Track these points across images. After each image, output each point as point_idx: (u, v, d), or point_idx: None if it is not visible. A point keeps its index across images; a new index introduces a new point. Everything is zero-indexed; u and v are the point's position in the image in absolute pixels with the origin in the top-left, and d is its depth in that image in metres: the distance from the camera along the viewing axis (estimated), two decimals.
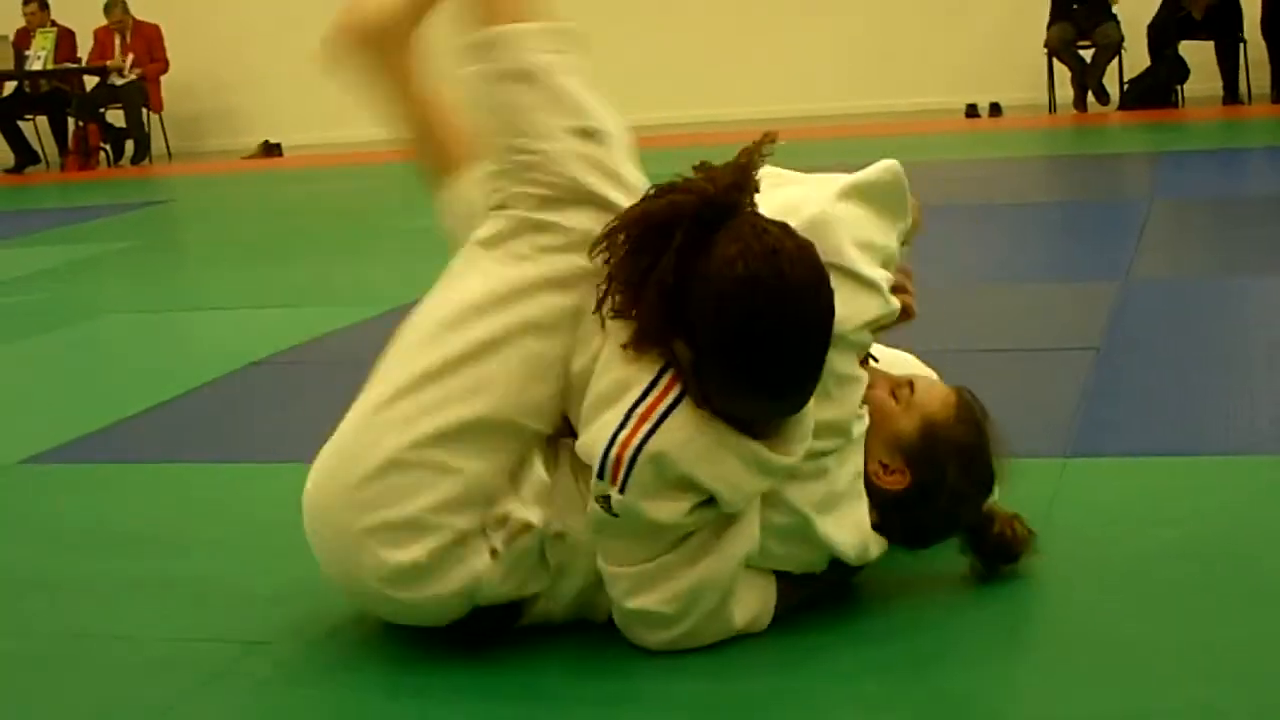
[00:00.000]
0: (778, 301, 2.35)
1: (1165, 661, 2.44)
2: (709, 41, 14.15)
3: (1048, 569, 2.79)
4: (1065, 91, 12.62)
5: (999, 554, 2.73)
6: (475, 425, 2.50)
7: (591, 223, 2.51)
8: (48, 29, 14.83)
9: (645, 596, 2.51)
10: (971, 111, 12.96)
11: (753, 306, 2.34)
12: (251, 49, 15.25)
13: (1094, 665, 2.43)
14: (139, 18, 14.74)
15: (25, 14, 14.89)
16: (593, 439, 2.46)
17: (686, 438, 2.41)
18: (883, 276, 2.61)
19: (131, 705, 2.64)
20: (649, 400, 2.43)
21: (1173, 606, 2.66)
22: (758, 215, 2.43)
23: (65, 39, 14.90)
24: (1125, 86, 12.43)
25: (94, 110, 14.79)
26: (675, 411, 2.42)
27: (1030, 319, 5.06)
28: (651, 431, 2.41)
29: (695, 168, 2.46)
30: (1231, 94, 12.25)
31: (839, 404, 2.53)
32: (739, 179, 2.43)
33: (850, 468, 2.59)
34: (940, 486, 2.63)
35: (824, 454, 2.54)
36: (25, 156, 15.06)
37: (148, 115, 14.77)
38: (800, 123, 13.07)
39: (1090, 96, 12.49)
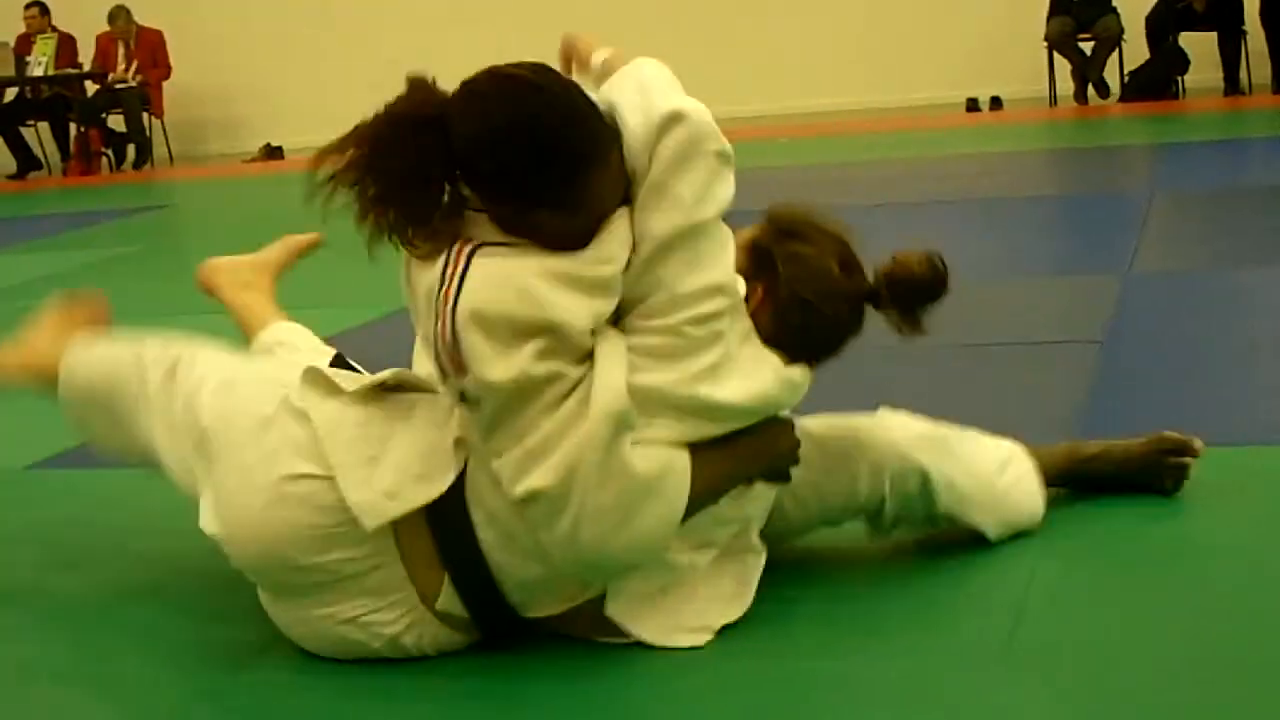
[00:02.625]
0: (525, 95, 2.41)
1: (1165, 652, 2.44)
2: (708, 38, 14.15)
3: (1054, 564, 2.81)
4: (1066, 84, 12.62)
5: (908, 297, 2.71)
6: None
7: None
8: (48, 35, 14.84)
9: (528, 477, 2.41)
10: (972, 105, 12.97)
11: (503, 106, 2.40)
12: (253, 53, 15.27)
13: (1100, 661, 2.44)
14: (142, 23, 14.75)
15: (25, 18, 14.90)
16: (426, 345, 2.51)
17: (491, 283, 2.38)
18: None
19: (142, 709, 2.64)
20: (445, 277, 2.42)
21: (1176, 600, 2.67)
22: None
23: (66, 45, 14.92)
24: (1126, 79, 12.43)
25: (96, 115, 14.80)
26: (471, 267, 2.40)
27: (1032, 312, 5.06)
28: (457, 299, 2.39)
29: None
30: (1232, 85, 12.25)
31: (710, 266, 2.48)
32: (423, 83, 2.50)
33: (741, 326, 2.54)
34: (787, 286, 2.63)
35: (713, 317, 2.47)
36: (27, 162, 15.08)
37: (149, 120, 14.78)
38: (801, 118, 13.08)
39: (1091, 89, 12.49)
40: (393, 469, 2.52)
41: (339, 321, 5.70)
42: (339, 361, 2.96)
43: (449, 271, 2.41)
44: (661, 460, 2.44)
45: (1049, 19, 12.51)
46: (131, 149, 14.95)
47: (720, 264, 2.50)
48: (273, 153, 14.74)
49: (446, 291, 2.40)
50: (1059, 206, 7.88)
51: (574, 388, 2.41)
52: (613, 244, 2.44)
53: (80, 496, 4.02)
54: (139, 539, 3.59)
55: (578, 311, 2.40)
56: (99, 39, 14.85)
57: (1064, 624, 2.59)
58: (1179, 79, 12.39)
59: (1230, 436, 3.56)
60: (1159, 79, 12.29)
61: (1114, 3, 12.36)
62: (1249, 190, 7.51)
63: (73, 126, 14.96)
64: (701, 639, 2.58)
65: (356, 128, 2.51)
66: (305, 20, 15.19)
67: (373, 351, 2.72)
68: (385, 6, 14.91)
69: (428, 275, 2.44)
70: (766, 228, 2.71)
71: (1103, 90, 12.47)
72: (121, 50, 14.77)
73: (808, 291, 2.62)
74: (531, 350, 2.38)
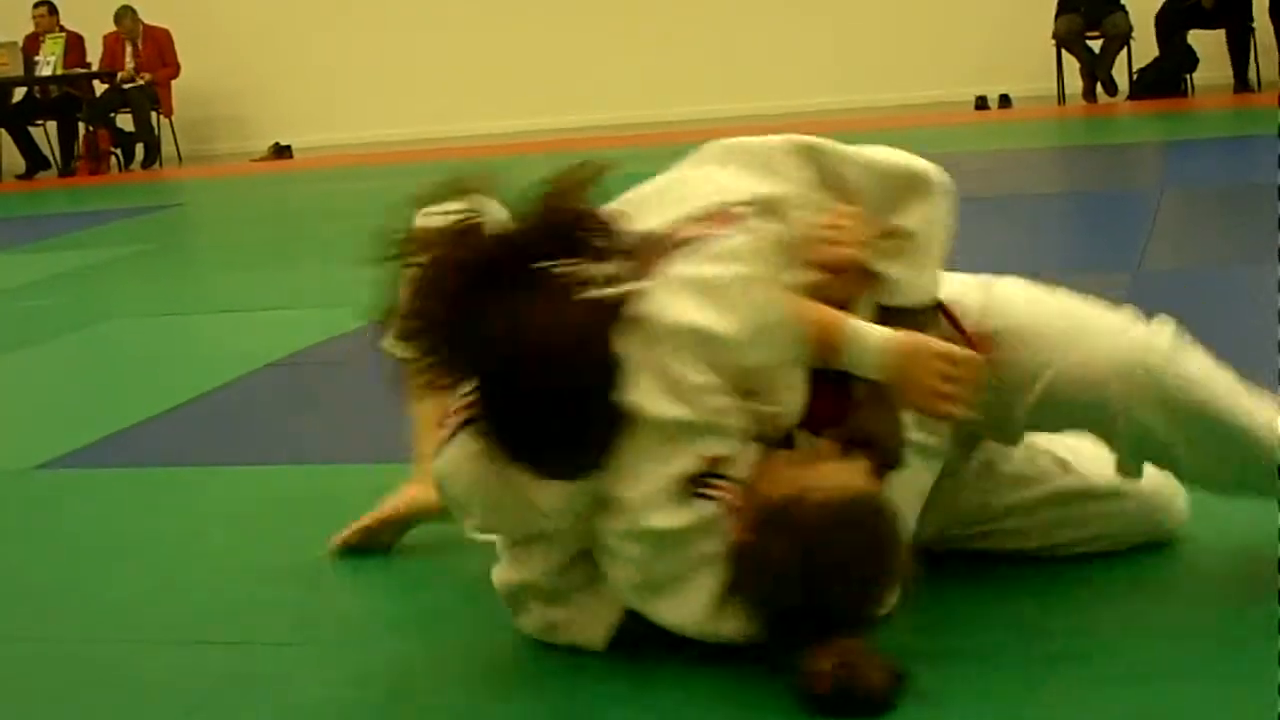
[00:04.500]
0: (538, 383, 2.26)
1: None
2: (715, 36, 14.15)
3: (1067, 561, 2.80)
4: (1074, 82, 12.60)
5: (830, 698, 2.28)
6: None
7: None
8: (56, 35, 14.85)
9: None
10: (980, 103, 12.95)
11: (515, 382, 2.27)
12: (261, 52, 15.27)
13: (1127, 656, 2.43)
14: (149, 22, 14.75)
15: (34, 16, 14.91)
16: None
17: (458, 465, 2.44)
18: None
19: (150, 709, 2.64)
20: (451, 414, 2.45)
21: (1188, 596, 2.66)
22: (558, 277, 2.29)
23: (74, 45, 14.92)
24: (1134, 76, 12.41)
25: (104, 115, 14.81)
26: (459, 436, 2.42)
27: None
28: (441, 448, 2.47)
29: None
30: (1242, 82, 12.22)
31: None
32: (549, 221, 2.32)
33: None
34: (765, 562, 2.31)
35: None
36: (36, 162, 15.08)
37: (158, 119, 14.79)
38: (808, 117, 13.06)
39: (1099, 87, 12.47)
40: None
41: (352, 322, 5.71)
42: None
43: (451, 415, 2.45)
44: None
45: (1057, 17, 12.49)
46: (140, 148, 14.95)
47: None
48: (281, 152, 14.74)
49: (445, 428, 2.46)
50: (1068, 204, 7.86)
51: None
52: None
53: (88, 496, 4.02)
54: (150, 537, 3.60)
55: (513, 524, 2.51)
56: (106, 39, 14.85)
57: (1082, 619, 2.58)
58: (1188, 76, 12.37)
59: None
60: (1168, 77, 12.27)
61: (1122, 0, 12.34)
62: (1259, 187, 7.48)
63: (81, 126, 14.96)
64: None
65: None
66: (314, 19, 15.19)
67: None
68: (394, 6, 14.90)
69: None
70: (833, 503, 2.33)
71: (1111, 88, 12.44)
72: (129, 50, 14.77)
73: (775, 601, 2.34)
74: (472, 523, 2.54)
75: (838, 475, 2.34)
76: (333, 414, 4.51)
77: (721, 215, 2.41)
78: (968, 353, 2.48)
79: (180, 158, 15.15)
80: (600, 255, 2.32)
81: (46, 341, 6.22)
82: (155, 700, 2.67)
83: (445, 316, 2.28)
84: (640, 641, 2.52)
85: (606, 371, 2.29)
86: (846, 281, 2.49)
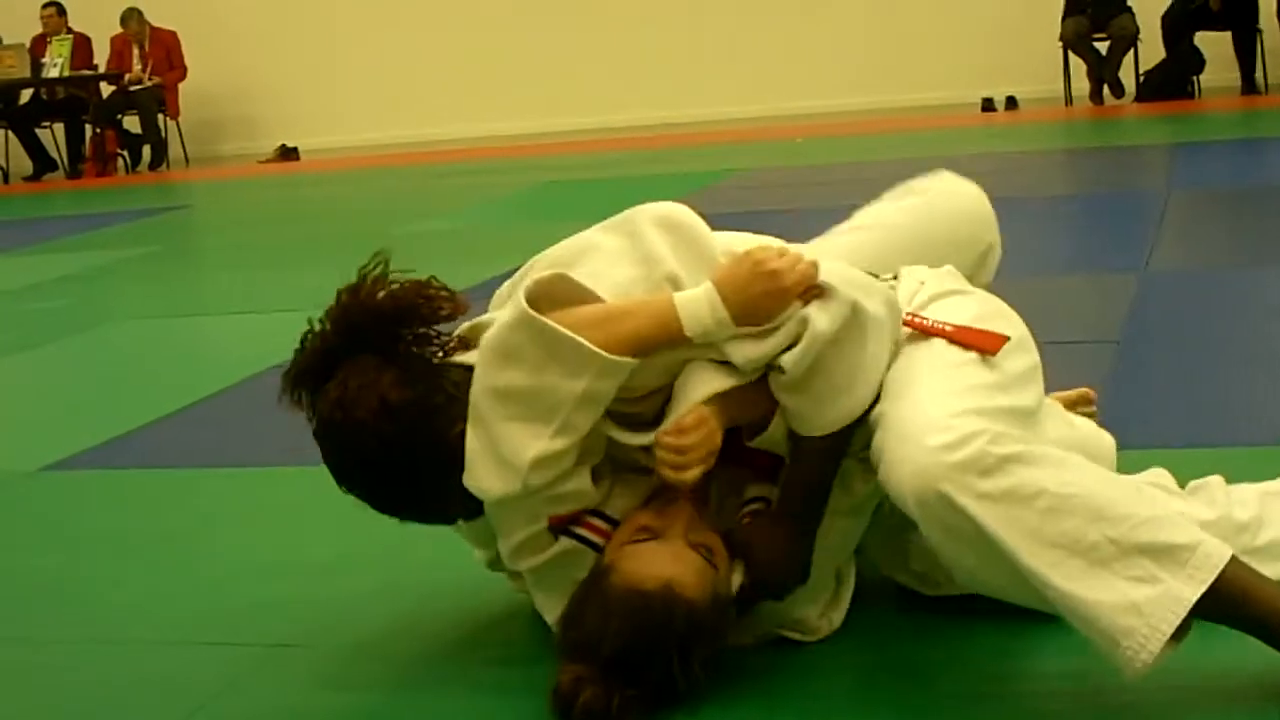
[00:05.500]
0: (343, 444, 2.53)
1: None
2: (721, 39, 14.15)
3: None
4: (1081, 84, 12.59)
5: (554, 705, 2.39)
6: None
7: None
8: (63, 36, 14.85)
9: None
10: (987, 105, 12.94)
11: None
12: (268, 54, 15.29)
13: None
14: (156, 25, 14.76)
15: (42, 17, 14.92)
16: None
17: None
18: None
19: (155, 709, 2.64)
20: None
21: None
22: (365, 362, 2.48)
23: (81, 46, 14.93)
24: (1141, 78, 12.40)
25: (111, 117, 14.82)
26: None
27: (1049, 312, 5.02)
28: None
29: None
30: (1248, 84, 12.21)
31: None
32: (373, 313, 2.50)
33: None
34: (570, 608, 2.46)
35: None
36: (43, 164, 15.10)
37: (164, 121, 14.80)
38: (815, 119, 13.07)
39: (1106, 89, 12.46)
40: None
41: None
42: None
43: None
44: None
45: (1064, 19, 12.48)
46: (147, 150, 14.96)
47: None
48: (288, 153, 14.75)
49: None
50: (1075, 206, 7.86)
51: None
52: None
53: (94, 497, 4.02)
54: (157, 538, 3.60)
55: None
56: (114, 40, 14.86)
57: None
58: (1195, 78, 12.36)
59: (1250, 436, 3.55)
60: (1175, 79, 12.26)
61: (1129, 2, 12.33)
62: (1265, 189, 7.49)
63: (88, 128, 14.97)
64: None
65: None
66: (321, 22, 15.20)
67: None
68: (399, 8, 14.91)
69: None
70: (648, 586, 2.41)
71: (1118, 90, 12.44)
72: (136, 52, 14.78)
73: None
74: None
75: (656, 562, 2.40)
76: None
77: None
78: (771, 244, 2.48)
79: (187, 159, 15.16)
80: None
81: (53, 343, 6.22)
82: (158, 701, 2.67)
83: (304, 369, 2.57)
84: None
85: (428, 450, 2.44)
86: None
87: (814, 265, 2.42)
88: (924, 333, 2.54)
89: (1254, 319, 4.77)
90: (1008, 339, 2.51)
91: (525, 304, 2.35)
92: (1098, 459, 2.60)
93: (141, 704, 2.68)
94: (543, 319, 2.35)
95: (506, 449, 2.38)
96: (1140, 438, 3.58)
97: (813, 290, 2.40)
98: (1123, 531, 2.20)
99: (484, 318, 2.57)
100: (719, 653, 2.44)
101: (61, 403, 5.26)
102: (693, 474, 2.40)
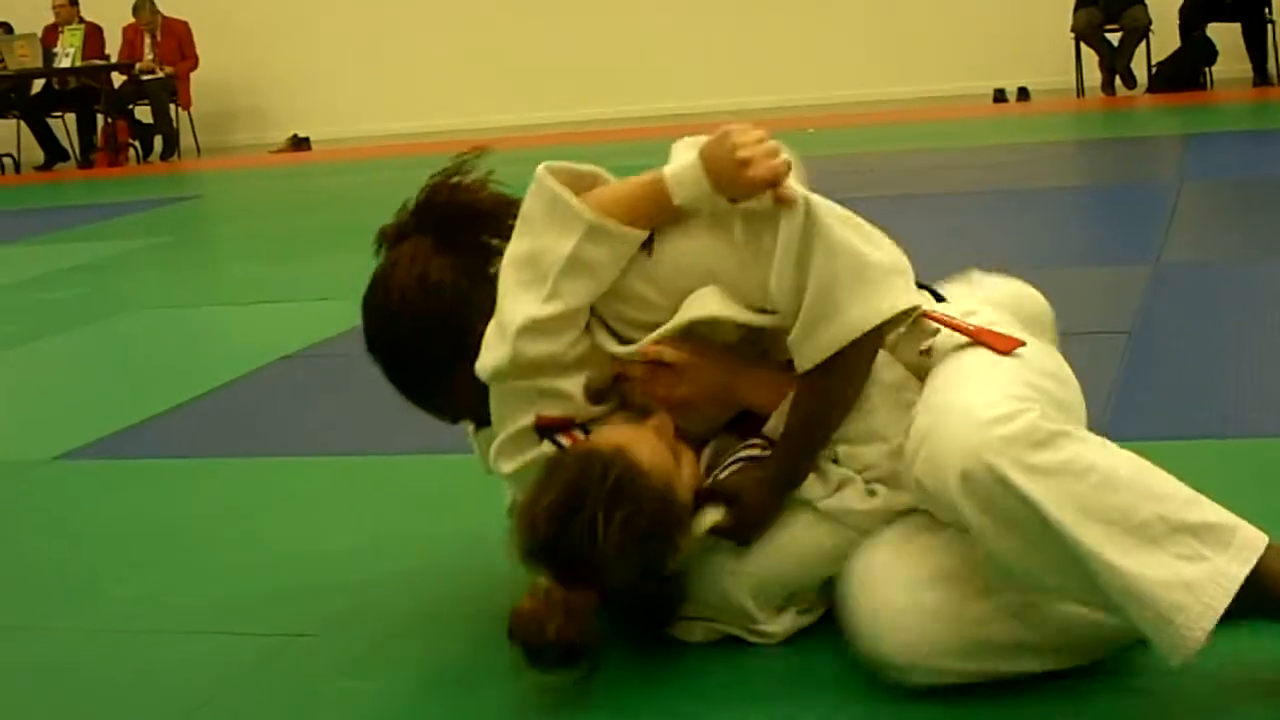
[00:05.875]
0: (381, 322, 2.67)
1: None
2: (733, 28, 14.15)
3: None
4: (1093, 75, 12.57)
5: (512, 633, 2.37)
6: None
7: None
8: (75, 26, 14.87)
9: None
10: (999, 96, 12.93)
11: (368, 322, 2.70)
12: (279, 44, 15.30)
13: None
14: (168, 15, 14.78)
15: (54, 7, 14.94)
16: None
17: None
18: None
19: (169, 699, 2.65)
20: None
21: None
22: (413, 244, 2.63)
23: (93, 36, 14.95)
24: (1153, 69, 12.38)
25: (122, 107, 14.84)
26: None
27: (1061, 304, 4.98)
28: None
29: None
30: (1260, 75, 12.19)
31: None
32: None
33: None
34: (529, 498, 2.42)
35: None
36: (55, 153, 15.12)
37: (176, 111, 14.81)
38: (827, 109, 13.06)
39: (1118, 80, 12.44)
40: None
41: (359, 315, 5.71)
42: None
43: None
44: None
45: (1076, 10, 12.46)
46: (158, 140, 14.98)
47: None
48: (299, 143, 14.76)
49: None
50: (1087, 197, 7.85)
51: None
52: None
53: (108, 487, 4.03)
54: (169, 528, 3.61)
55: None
56: (125, 30, 14.88)
57: None
58: (1207, 70, 12.34)
59: (1262, 428, 3.55)
60: (1187, 70, 12.24)
61: None
62: (1278, 180, 7.48)
63: (100, 118, 14.99)
64: None
65: None
66: (332, 12, 15.21)
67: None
68: None
69: None
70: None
71: (1130, 81, 12.42)
72: (148, 41, 14.80)
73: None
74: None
75: (615, 432, 2.45)
76: (352, 405, 4.51)
77: None
78: (751, 131, 2.46)
79: (198, 149, 15.18)
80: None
81: (65, 333, 6.24)
82: (173, 690, 2.68)
83: (381, 234, 2.71)
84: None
85: (450, 335, 2.56)
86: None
87: (786, 165, 2.42)
88: (944, 326, 2.52)
89: (1266, 310, 4.76)
90: (1024, 344, 2.47)
91: (542, 169, 2.46)
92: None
93: (154, 693, 2.68)
94: (551, 180, 2.45)
95: (505, 317, 2.46)
96: (1152, 429, 3.58)
97: (782, 193, 2.40)
98: (1170, 509, 2.18)
99: None
100: (661, 555, 2.40)
101: (74, 393, 5.27)
102: (664, 391, 2.44)
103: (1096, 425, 3.47)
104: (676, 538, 2.41)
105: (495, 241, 2.59)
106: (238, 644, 2.84)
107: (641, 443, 2.42)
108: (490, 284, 2.52)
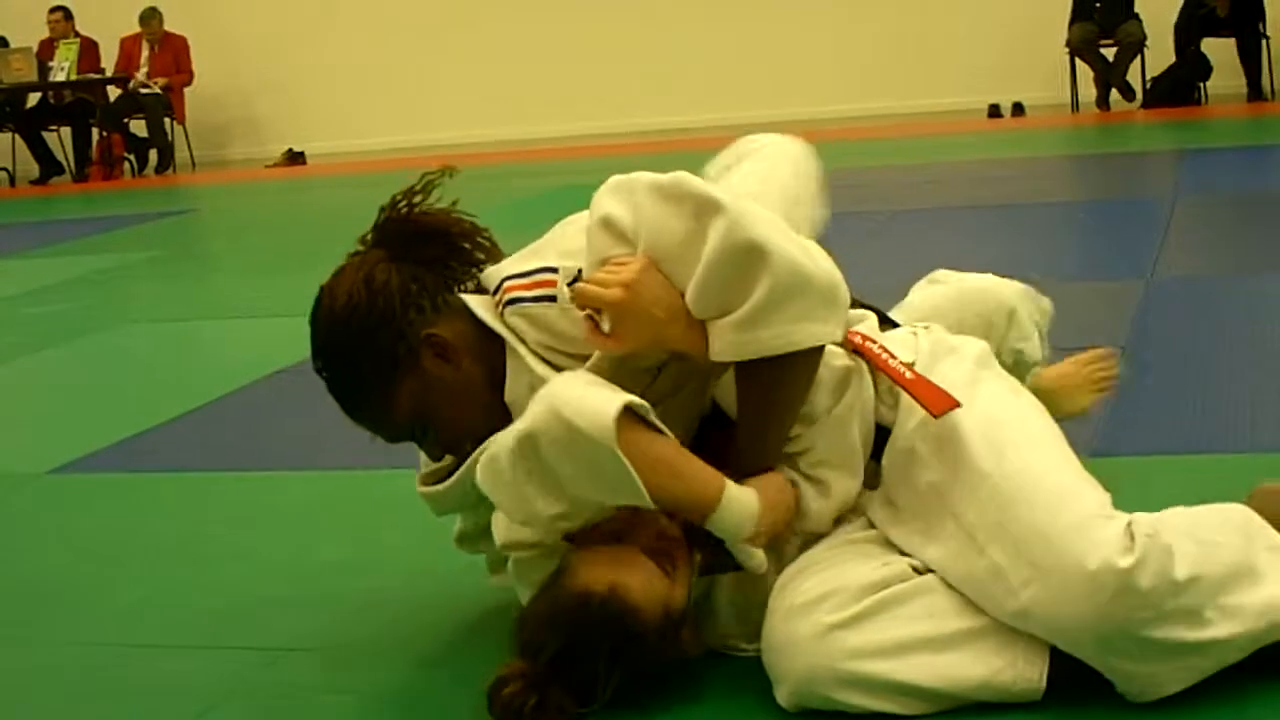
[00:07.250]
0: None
1: None
2: (728, 43, 14.15)
3: None
4: (1088, 90, 12.59)
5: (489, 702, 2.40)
6: None
7: None
8: (70, 40, 14.88)
9: None
10: (994, 111, 12.94)
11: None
12: (275, 58, 15.30)
13: None
14: (165, 29, 14.78)
15: (49, 21, 14.94)
16: None
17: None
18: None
19: (161, 713, 2.65)
20: None
21: None
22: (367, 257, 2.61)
23: (88, 50, 14.95)
24: (1148, 84, 12.40)
25: (118, 120, 14.84)
26: None
27: (1055, 318, 5.03)
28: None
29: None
30: (1255, 90, 12.20)
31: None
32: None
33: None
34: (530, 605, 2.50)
35: None
36: (50, 167, 15.12)
37: (171, 125, 14.82)
38: (822, 124, 13.07)
39: (1113, 95, 12.46)
40: None
41: None
42: None
43: None
44: None
45: (1071, 25, 12.48)
46: (153, 154, 14.98)
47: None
48: (295, 158, 14.76)
49: None
50: (1081, 212, 7.85)
51: None
52: None
53: (101, 501, 4.03)
54: (161, 542, 3.60)
55: None
56: (123, 42, 14.88)
57: None
58: (1202, 85, 12.36)
59: (1256, 443, 3.55)
60: (1182, 85, 12.26)
61: (1136, 8, 12.33)
62: (1272, 196, 7.49)
63: (95, 131, 14.99)
64: None
65: None
66: (328, 26, 15.21)
67: None
68: (408, 13, 14.92)
69: None
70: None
71: (1126, 96, 12.43)
72: (145, 53, 14.79)
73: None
74: None
75: (607, 565, 2.41)
76: (345, 420, 4.50)
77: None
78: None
79: (194, 163, 15.17)
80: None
81: (59, 346, 6.23)
82: (164, 704, 2.67)
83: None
84: None
85: (387, 338, 2.55)
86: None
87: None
88: (882, 371, 2.53)
89: (1260, 326, 4.77)
90: (958, 406, 2.45)
91: (613, 422, 2.28)
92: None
93: (148, 707, 2.68)
94: (619, 453, 2.30)
95: (520, 512, 2.43)
96: (1146, 444, 3.59)
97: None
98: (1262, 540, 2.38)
99: (503, 263, 2.62)
100: (660, 663, 2.43)
101: (68, 406, 5.27)
102: (610, 342, 2.41)
103: (1090, 439, 3.49)
104: (673, 652, 2.45)
105: (454, 263, 2.60)
106: (230, 657, 2.84)
107: (633, 573, 2.41)
108: (428, 286, 2.56)
